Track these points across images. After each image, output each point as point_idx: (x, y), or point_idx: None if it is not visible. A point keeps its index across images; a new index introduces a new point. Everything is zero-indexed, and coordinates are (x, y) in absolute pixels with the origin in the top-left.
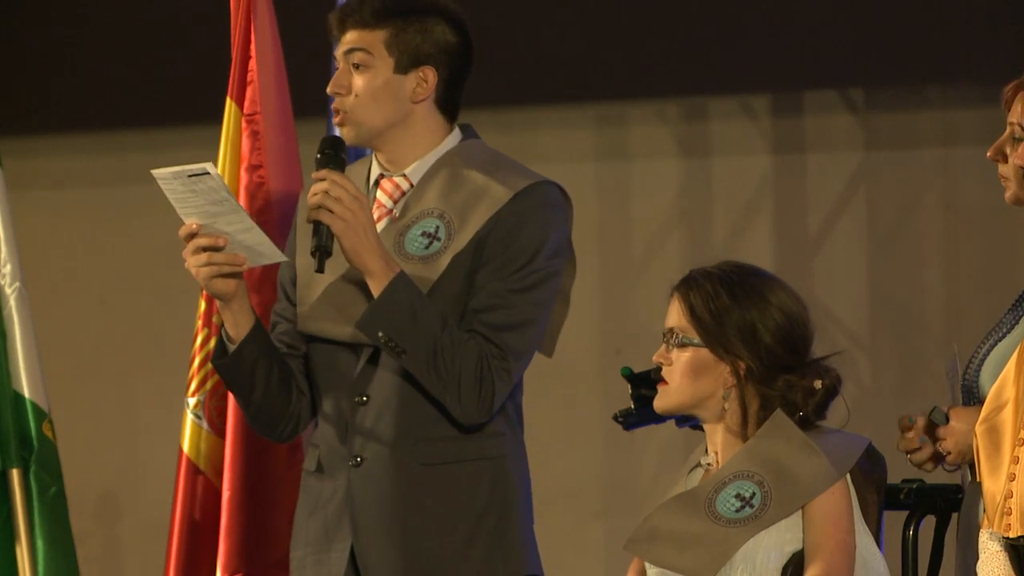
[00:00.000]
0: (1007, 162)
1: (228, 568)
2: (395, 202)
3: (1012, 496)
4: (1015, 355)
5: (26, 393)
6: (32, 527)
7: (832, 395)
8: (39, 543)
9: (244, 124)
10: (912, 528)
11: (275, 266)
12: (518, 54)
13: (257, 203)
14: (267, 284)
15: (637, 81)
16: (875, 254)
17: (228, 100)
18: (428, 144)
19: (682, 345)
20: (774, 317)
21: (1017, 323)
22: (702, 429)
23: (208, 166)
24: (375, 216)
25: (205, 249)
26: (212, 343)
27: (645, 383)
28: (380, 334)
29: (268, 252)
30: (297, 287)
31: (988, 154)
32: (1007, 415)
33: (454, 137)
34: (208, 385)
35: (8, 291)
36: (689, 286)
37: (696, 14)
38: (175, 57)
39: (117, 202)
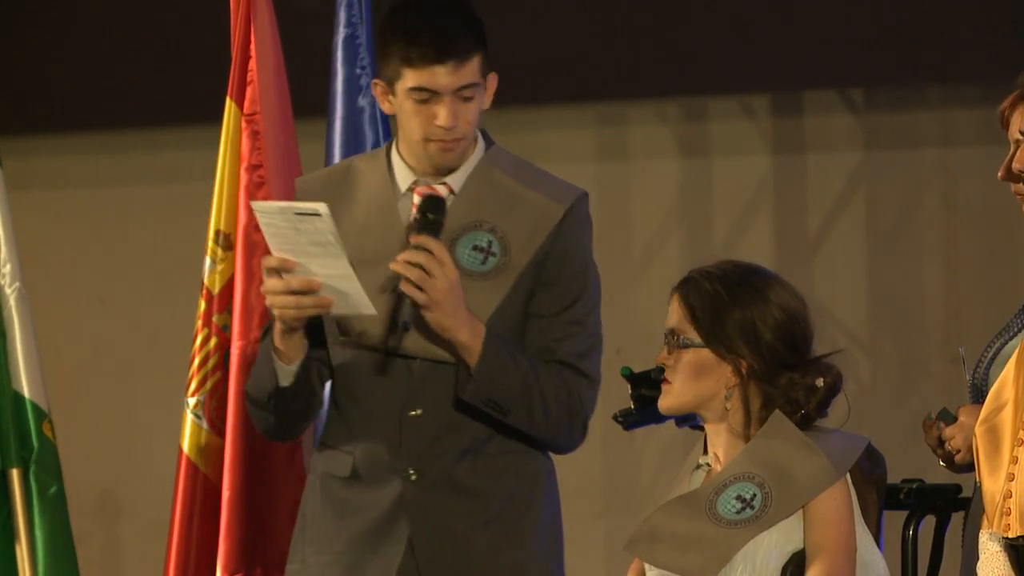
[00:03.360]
0: (1020, 180)
1: (228, 568)
2: None
3: (1011, 496)
4: (1015, 355)
5: (26, 393)
6: (32, 527)
7: (833, 393)
8: (39, 543)
9: (244, 124)
10: (912, 528)
11: None
12: (518, 54)
13: None
14: None
15: (637, 81)
16: (875, 254)
17: (228, 100)
18: (470, 150)
19: (683, 346)
20: (774, 315)
21: None
22: (702, 429)
23: (322, 207)
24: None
25: (295, 291)
26: (212, 342)
27: (645, 383)
28: (486, 400)
29: (359, 302)
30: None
31: (1000, 175)
32: (1007, 415)
33: (480, 141)
34: (208, 385)
35: (8, 291)
36: (688, 287)
37: (696, 14)
38: (175, 57)
39: (117, 202)
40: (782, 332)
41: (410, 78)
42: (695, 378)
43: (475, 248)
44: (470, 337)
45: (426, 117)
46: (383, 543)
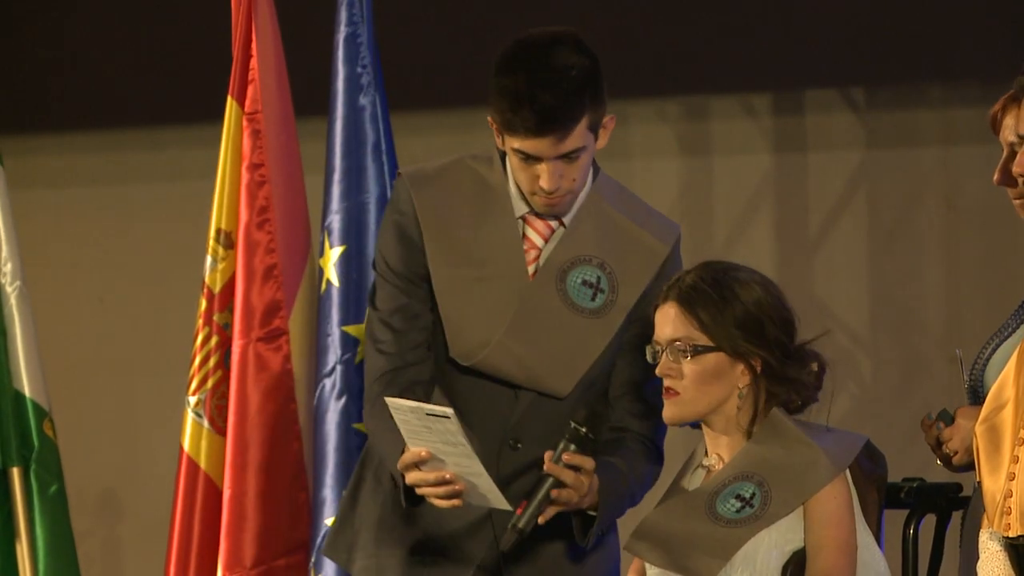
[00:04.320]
0: (1017, 184)
1: (229, 566)
2: (546, 241)
3: (1012, 495)
4: (1015, 355)
5: (27, 392)
6: (32, 526)
7: (823, 375)
8: (39, 542)
9: (245, 123)
10: (912, 527)
11: (292, 261)
12: None
13: (259, 202)
14: (270, 281)
15: (637, 80)
16: (876, 253)
17: (229, 99)
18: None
19: (697, 352)
20: (771, 305)
21: (1022, 323)
22: (699, 428)
23: (450, 412)
24: (527, 257)
25: (432, 484)
26: (213, 341)
27: None
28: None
29: (493, 499)
30: (442, 308)
31: (995, 179)
32: (1007, 415)
33: (588, 171)
34: (209, 384)
35: (9, 290)
36: (686, 294)
37: (696, 13)
38: (176, 56)
39: (118, 201)
40: (780, 321)
41: (514, 141)
42: (710, 383)
43: (584, 283)
44: (591, 501)
45: (530, 175)
46: (465, 543)
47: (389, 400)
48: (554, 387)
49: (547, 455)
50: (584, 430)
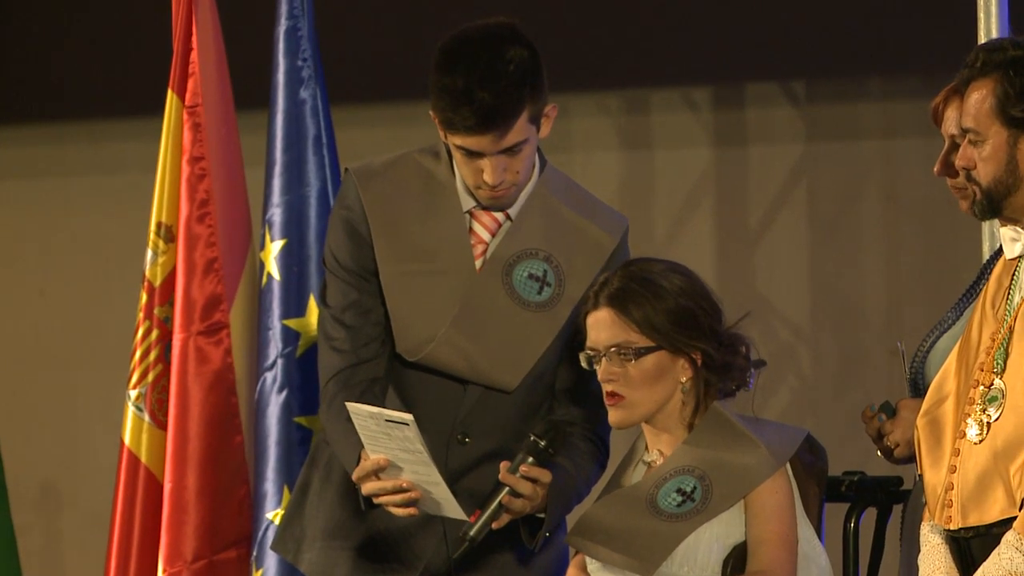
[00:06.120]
0: (957, 175)
1: (170, 560)
2: (492, 235)
3: (953, 488)
4: (955, 348)
5: None
6: None
7: (750, 356)
8: None
9: (186, 116)
10: (853, 520)
11: (233, 255)
12: None
13: (199, 195)
14: (211, 275)
15: (578, 73)
16: (816, 246)
17: (169, 92)
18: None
19: (639, 354)
20: (698, 293)
21: (961, 316)
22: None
23: (409, 418)
24: (474, 251)
25: (389, 492)
26: (154, 335)
27: None
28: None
29: (448, 508)
30: (389, 304)
31: (935, 170)
32: (948, 408)
33: (536, 164)
34: (149, 377)
35: None
36: (617, 297)
37: (637, 6)
38: (116, 48)
39: (58, 194)
40: (711, 309)
41: (455, 138)
42: (653, 383)
43: (530, 276)
44: (540, 505)
45: (474, 170)
46: (414, 539)
47: (349, 405)
48: (501, 381)
49: (503, 465)
50: (543, 443)
